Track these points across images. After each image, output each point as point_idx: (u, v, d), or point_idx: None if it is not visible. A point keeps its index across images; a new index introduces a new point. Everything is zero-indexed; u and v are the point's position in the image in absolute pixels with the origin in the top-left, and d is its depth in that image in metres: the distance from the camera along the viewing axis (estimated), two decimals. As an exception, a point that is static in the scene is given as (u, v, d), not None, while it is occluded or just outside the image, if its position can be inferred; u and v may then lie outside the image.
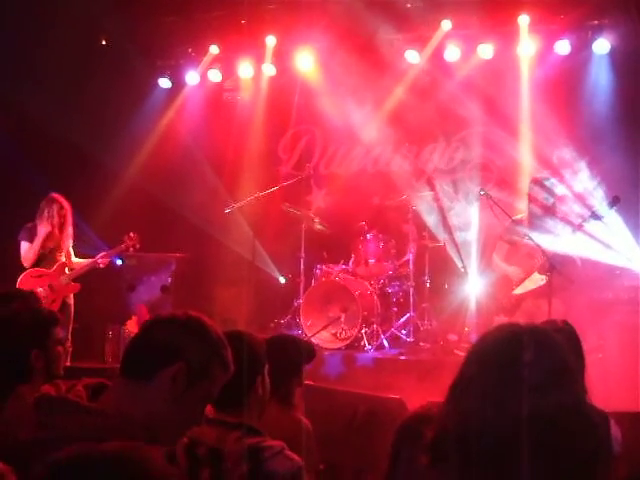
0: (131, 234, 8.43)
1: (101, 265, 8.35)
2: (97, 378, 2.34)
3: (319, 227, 9.67)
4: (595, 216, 7.02)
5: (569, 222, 7.30)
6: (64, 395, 2.21)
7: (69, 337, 7.90)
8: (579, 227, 7.04)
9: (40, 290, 7.96)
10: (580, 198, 8.38)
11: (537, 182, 7.64)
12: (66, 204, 8.33)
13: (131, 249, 8.55)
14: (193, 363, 2.29)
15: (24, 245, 8.23)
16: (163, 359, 2.27)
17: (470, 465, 1.82)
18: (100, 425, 2.07)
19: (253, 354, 3.29)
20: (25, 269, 8.21)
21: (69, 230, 8.39)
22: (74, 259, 8.45)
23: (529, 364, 1.84)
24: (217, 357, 2.38)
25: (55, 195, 8.31)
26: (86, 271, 8.34)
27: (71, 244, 8.45)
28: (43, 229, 8.16)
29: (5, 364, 3.27)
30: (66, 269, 8.27)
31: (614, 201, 7.05)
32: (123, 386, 2.27)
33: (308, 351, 4.29)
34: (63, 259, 8.31)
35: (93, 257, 8.44)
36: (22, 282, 8.13)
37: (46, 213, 8.22)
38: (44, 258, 8.23)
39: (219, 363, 2.39)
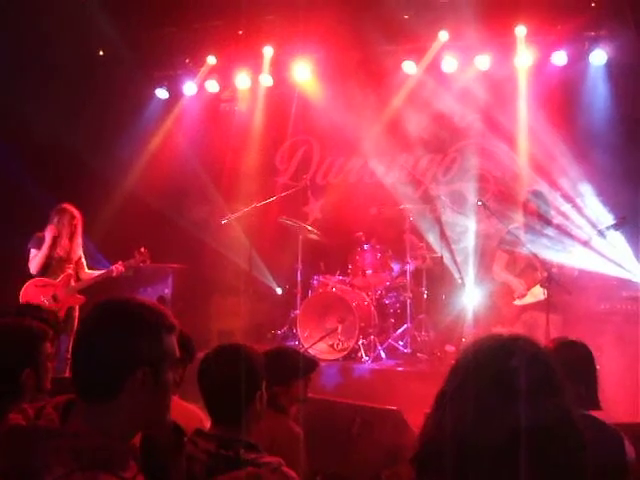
0: (142, 249, 8.39)
1: (115, 275, 8.32)
2: (67, 394, 2.22)
3: (312, 236, 9.65)
4: (601, 234, 6.99)
5: (571, 235, 7.28)
6: (33, 423, 2.13)
7: (69, 348, 7.86)
8: (585, 244, 7.03)
9: (43, 300, 7.94)
10: (581, 211, 8.38)
11: (534, 193, 7.63)
12: (77, 214, 8.33)
13: (141, 264, 8.52)
14: (152, 360, 2.18)
15: (32, 252, 8.20)
16: (122, 373, 2.14)
17: (459, 476, 1.81)
18: (77, 447, 2.01)
19: (253, 369, 3.28)
20: (31, 276, 8.20)
21: (79, 240, 8.37)
22: (86, 270, 8.42)
23: (517, 373, 1.82)
24: (166, 338, 2.23)
25: (66, 205, 8.31)
26: (96, 281, 8.31)
27: (82, 255, 8.42)
28: (50, 234, 8.13)
29: None
30: (72, 280, 8.23)
31: (622, 221, 7.01)
32: (88, 409, 2.14)
33: (308, 363, 4.30)
34: (71, 270, 8.28)
35: (91, 267, 8.44)
36: (26, 291, 8.10)
37: (56, 222, 8.21)
38: (51, 267, 8.18)
39: (169, 342, 2.24)
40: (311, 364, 4.44)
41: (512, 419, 1.77)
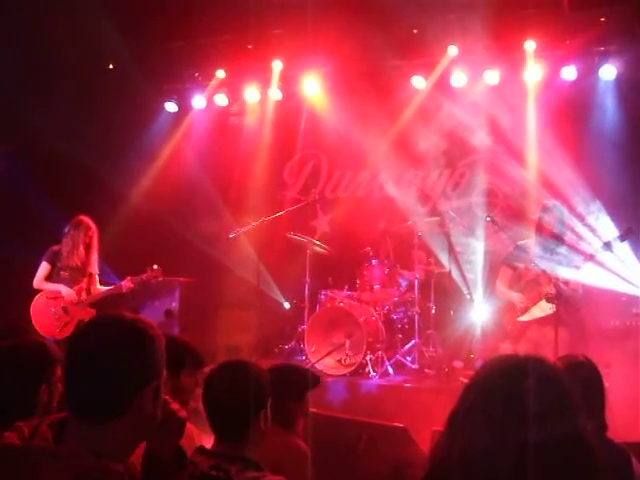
0: (155, 266, 8.32)
1: (125, 291, 8.30)
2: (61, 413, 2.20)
3: (320, 250, 9.63)
4: (607, 247, 6.94)
5: (578, 250, 7.23)
6: (27, 443, 2.08)
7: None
8: (590, 257, 6.97)
9: (53, 311, 7.94)
10: (590, 227, 8.32)
11: (546, 209, 7.56)
12: (93, 227, 8.32)
13: (152, 281, 8.48)
14: (158, 373, 2.17)
15: (42, 266, 8.21)
16: (131, 393, 2.11)
17: None
18: (72, 469, 1.98)
19: (259, 388, 3.27)
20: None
21: (95, 254, 8.36)
22: (98, 286, 8.38)
23: (530, 395, 1.78)
24: (161, 348, 2.21)
25: (83, 217, 8.30)
26: (106, 296, 8.28)
27: (97, 270, 8.40)
28: (65, 251, 8.14)
29: (15, 397, 3.23)
30: (83, 293, 8.21)
31: (627, 233, 6.97)
32: (84, 429, 2.09)
33: (309, 378, 4.27)
34: (84, 284, 8.25)
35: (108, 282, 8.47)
36: (36, 302, 8.11)
37: (71, 234, 8.20)
38: (65, 279, 8.17)
39: (163, 352, 2.22)
40: (316, 378, 4.43)
41: (524, 442, 1.74)
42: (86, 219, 8.30)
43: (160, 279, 8.48)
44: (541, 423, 1.75)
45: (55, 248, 8.21)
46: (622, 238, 6.91)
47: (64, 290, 8.07)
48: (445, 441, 1.90)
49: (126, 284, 8.21)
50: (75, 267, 8.16)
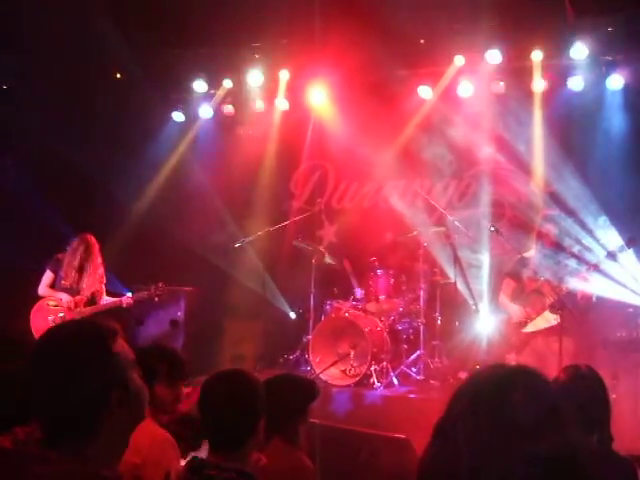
0: (160, 284, 8.42)
1: (124, 306, 8.37)
2: None
3: (329, 261, 9.61)
4: (611, 256, 6.90)
5: (582, 260, 7.18)
6: (19, 446, 2.09)
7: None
8: (594, 267, 6.93)
9: (51, 319, 7.98)
10: (594, 237, 8.27)
11: (546, 217, 7.52)
12: (96, 245, 8.48)
13: (156, 298, 8.51)
14: (117, 377, 2.12)
15: (46, 274, 8.36)
16: (96, 407, 2.07)
17: None
18: (53, 472, 1.96)
19: (256, 397, 3.24)
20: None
21: (97, 270, 8.47)
22: (105, 297, 8.49)
23: (518, 407, 1.75)
24: (116, 346, 2.16)
25: (87, 235, 8.47)
26: (105, 309, 8.34)
27: (98, 283, 8.49)
28: (66, 264, 8.30)
29: None
30: (82, 305, 8.27)
31: (630, 243, 6.94)
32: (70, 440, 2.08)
33: (311, 390, 4.21)
34: (85, 296, 8.34)
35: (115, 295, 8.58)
36: (36, 309, 8.26)
37: (73, 249, 8.36)
38: (66, 289, 8.32)
39: (121, 349, 2.17)
40: (317, 389, 4.37)
41: (512, 457, 1.70)
42: (89, 237, 8.47)
43: (163, 296, 8.51)
44: (530, 438, 1.72)
45: (59, 256, 8.35)
46: (625, 248, 6.88)
47: (65, 298, 8.13)
48: (431, 453, 1.86)
49: (126, 300, 8.34)
50: (75, 280, 8.28)
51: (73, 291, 8.29)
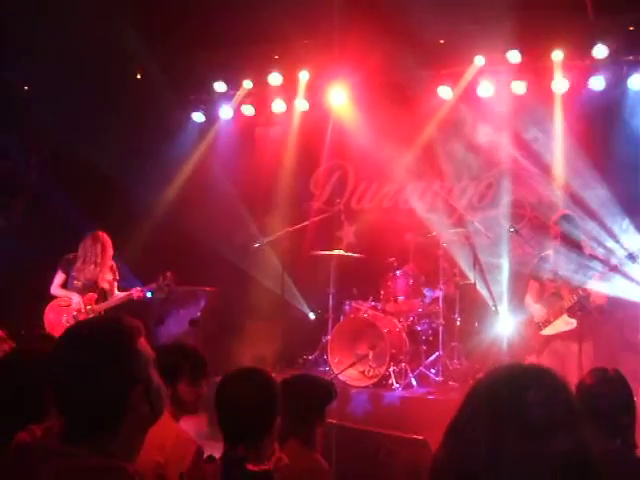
0: (167, 274, 8.43)
1: (135, 298, 8.41)
2: None
3: (347, 256, 9.60)
4: (631, 258, 6.83)
5: (601, 260, 7.12)
6: (39, 441, 2.11)
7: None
8: (614, 268, 6.86)
9: (64, 319, 8.03)
10: (616, 238, 8.21)
11: (566, 218, 7.45)
12: (108, 243, 8.48)
13: (165, 288, 8.53)
14: (139, 374, 2.14)
15: (57, 274, 8.41)
16: (118, 404, 2.08)
17: None
18: (77, 467, 1.98)
19: (273, 395, 3.26)
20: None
21: (109, 268, 8.51)
22: (115, 292, 8.55)
23: (531, 407, 1.74)
24: (139, 344, 2.18)
25: (100, 233, 8.49)
26: (118, 304, 8.38)
27: (111, 279, 8.53)
28: (78, 263, 8.34)
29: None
30: (93, 302, 8.30)
31: None
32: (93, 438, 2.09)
33: (328, 391, 4.20)
34: (96, 294, 8.37)
35: (126, 290, 8.55)
36: (48, 310, 8.31)
37: (85, 247, 8.40)
38: (77, 288, 8.35)
39: (144, 347, 2.19)
40: (334, 390, 4.35)
41: (527, 456, 1.70)
42: (102, 235, 8.48)
43: (172, 286, 8.54)
44: (542, 438, 1.71)
45: (70, 257, 8.42)
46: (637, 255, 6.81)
47: (75, 298, 8.20)
48: (444, 452, 1.85)
49: (136, 292, 8.35)
50: (87, 279, 8.34)
51: (85, 289, 8.33)
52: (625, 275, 6.95)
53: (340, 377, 8.53)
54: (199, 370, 4.14)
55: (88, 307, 8.23)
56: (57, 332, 7.98)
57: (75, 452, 2.02)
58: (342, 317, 9.43)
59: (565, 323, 7.06)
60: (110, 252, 8.49)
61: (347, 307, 9.50)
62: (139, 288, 8.43)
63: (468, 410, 1.85)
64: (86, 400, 2.07)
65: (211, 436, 3.28)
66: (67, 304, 8.24)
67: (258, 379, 3.28)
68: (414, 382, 8.70)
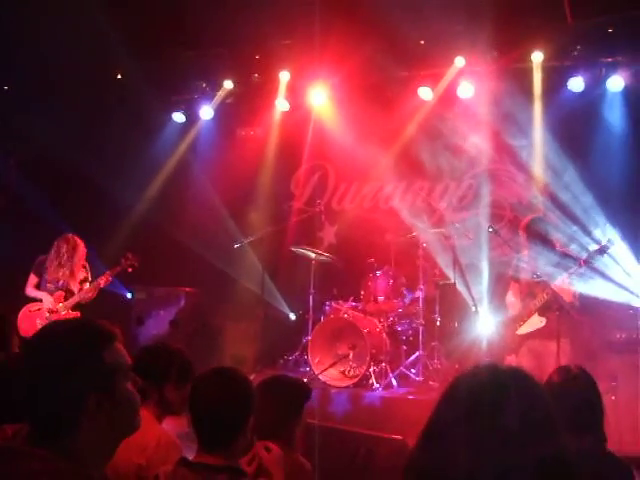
0: (129, 255, 8.54)
1: (103, 285, 8.45)
2: None
3: (324, 259, 9.58)
4: (601, 251, 6.86)
5: (570, 256, 7.14)
6: (7, 442, 2.09)
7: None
8: (585, 262, 6.88)
9: (38, 322, 8.02)
10: (591, 236, 8.26)
11: (534, 221, 7.46)
12: (80, 245, 8.50)
13: (129, 269, 8.58)
14: (98, 382, 2.08)
15: (31, 276, 8.48)
16: (71, 409, 2.05)
17: None
18: (44, 470, 1.96)
19: (247, 394, 3.23)
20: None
21: (79, 269, 8.53)
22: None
23: (508, 412, 1.73)
24: (107, 351, 2.12)
25: (70, 235, 8.52)
26: (88, 295, 8.37)
27: (82, 280, 8.51)
28: (50, 265, 8.38)
29: None
30: (61, 299, 8.34)
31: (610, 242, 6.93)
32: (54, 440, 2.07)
33: (304, 391, 4.19)
34: (63, 291, 8.40)
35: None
36: (21, 317, 8.31)
37: (56, 250, 8.44)
38: (50, 291, 8.40)
39: (113, 355, 2.14)
40: (310, 388, 4.34)
41: (507, 462, 1.69)
42: (73, 237, 8.52)
43: (136, 266, 8.59)
44: (518, 441, 1.70)
45: (42, 258, 8.43)
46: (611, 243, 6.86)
47: (45, 299, 8.25)
48: (422, 454, 1.84)
49: (103, 280, 8.42)
50: (58, 281, 8.38)
51: (57, 291, 8.34)
52: (602, 274, 6.99)
53: (320, 377, 8.53)
54: (186, 373, 4.12)
55: (59, 305, 8.24)
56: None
57: (39, 454, 2.00)
58: (322, 317, 9.41)
59: (539, 321, 7.08)
60: (81, 254, 8.51)
61: (327, 307, 9.49)
62: (106, 273, 8.45)
63: (447, 415, 1.84)
64: (40, 401, 2.05)
65: (192, 437, 3.23)
66: (38, 308, 8.28)
67: (228, 378, 3.25)
68: (394, 382, 8.69)
